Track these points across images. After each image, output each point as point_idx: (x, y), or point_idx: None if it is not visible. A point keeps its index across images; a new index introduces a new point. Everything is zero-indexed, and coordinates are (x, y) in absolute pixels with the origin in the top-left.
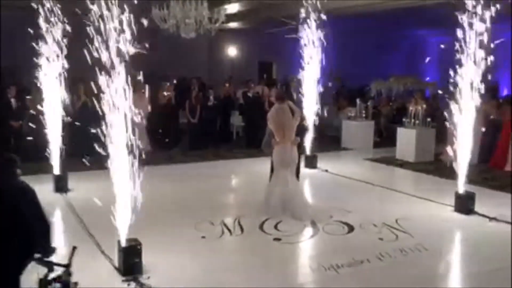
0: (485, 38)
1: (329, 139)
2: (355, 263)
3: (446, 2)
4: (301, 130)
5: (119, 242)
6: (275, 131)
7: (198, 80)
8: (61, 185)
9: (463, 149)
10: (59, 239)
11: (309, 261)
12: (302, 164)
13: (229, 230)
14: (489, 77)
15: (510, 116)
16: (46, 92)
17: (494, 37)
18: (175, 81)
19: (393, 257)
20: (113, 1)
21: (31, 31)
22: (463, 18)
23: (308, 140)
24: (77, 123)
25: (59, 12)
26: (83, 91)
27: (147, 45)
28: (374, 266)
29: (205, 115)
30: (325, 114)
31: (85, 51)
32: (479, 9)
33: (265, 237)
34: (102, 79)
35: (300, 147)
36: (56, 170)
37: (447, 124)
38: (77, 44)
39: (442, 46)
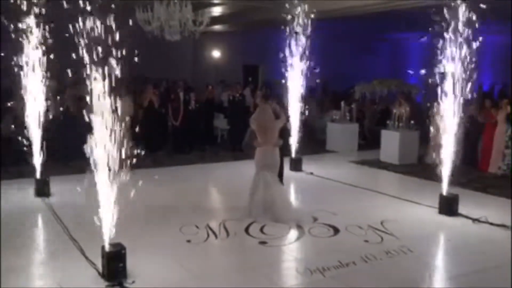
0: (467, 41)
1: (314, 141)
2: (341, 265)
3: (428, 6)
4: (284, 132)
5: (103, 247)
6: (258, 132)
7: (184, 83)
8: (42, 190)
9: (446, 151)
10: (41, 245)
11: (295, 264)
12: (287, 167)
13: (214, 233)
14: (470, 79)
15: (493, 118)
16: (29, 95)
17: (477, 39)
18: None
19: (379, 259)
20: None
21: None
22: (446, 21)
23: (293, 142)
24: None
25: (41, 13)
26: (67, 95)
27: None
28: (360, 268)
29: (188, 118)
30: (310, 116)
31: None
32: (461, 13)
33: (251, 241)
34: (85, 82)
35: (283, 150)
36: (37, 174)
37: (431, 126)
38: (60, 47)
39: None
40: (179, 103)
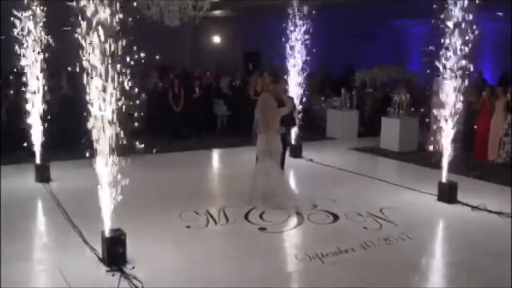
0: (466, 27)
1: (314, 128)
2: (340, 252)
3: None
4: (288, 121)
5: (103, 232)
6: (260, 120)
7: (182, 69)
8: (43, 175)
9: (446, 138)
10: (41, 230)
11: (294, 250)
12: (287, 153)
13: (214, 219)
14: (471, 65)
15: (489, 104)
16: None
17: (476, 26)
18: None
19: (378, 246)
20: None
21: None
22: (446, 8)
23: (294, 129)
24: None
25: None
26: (65, 79)
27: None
28: (359, 255)
29: (190, 105)
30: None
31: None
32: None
33: (250, 227)
34: (85, 66)
35: (286, 138)
36: (38, 160)
37: (431, 113)
38: (58, 30)
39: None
40: (180, 89)
